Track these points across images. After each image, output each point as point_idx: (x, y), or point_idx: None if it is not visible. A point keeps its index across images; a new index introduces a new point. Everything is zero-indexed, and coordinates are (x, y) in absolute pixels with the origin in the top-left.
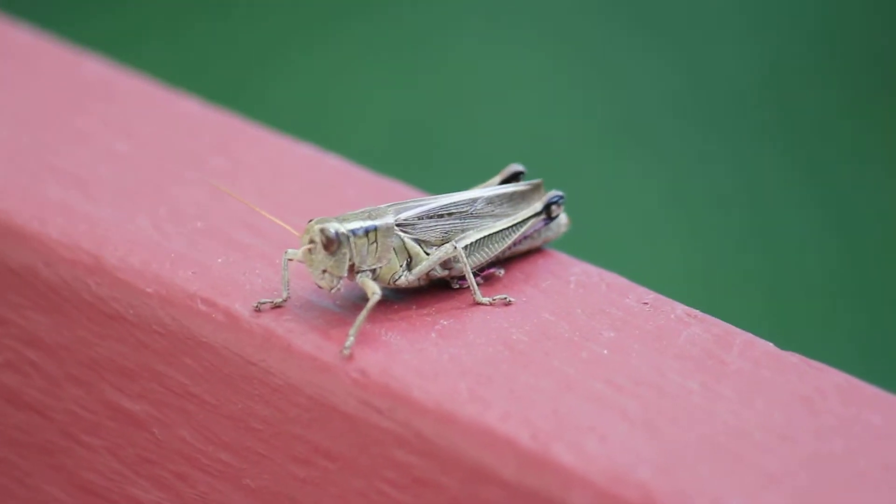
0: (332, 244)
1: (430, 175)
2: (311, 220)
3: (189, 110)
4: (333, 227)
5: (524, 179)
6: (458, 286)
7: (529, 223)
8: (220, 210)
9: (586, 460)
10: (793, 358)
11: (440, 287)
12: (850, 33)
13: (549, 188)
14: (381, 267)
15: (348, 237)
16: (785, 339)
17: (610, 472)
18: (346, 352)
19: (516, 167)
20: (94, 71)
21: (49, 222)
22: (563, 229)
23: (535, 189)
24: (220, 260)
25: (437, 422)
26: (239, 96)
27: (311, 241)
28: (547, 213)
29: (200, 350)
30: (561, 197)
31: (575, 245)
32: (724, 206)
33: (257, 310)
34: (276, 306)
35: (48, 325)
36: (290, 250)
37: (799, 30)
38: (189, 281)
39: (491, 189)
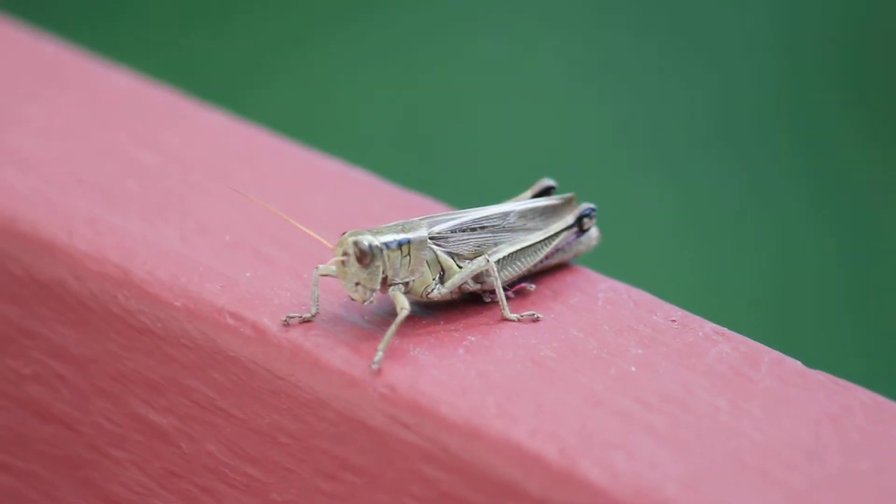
0: (365, 257)
1: (448, 188)
2: (344, 233)
3: (216, 123)
4: (367, 239)
5: (555, 194)
6: (489, 300)
7: (562, 236)
8: (248, 223)
9: (614, 477)
10: (820, 376)
11: (468, 302)
12: (873, 56)
13: (579, 202)
14: (413, 280)
15: (381, 250)
16: (811, 358)
17: (637, 488)
18: (375, 366)
19: (548, 182)
20: (121, 84)
21: (77, 235)
22: (594, 243)
23: (567, 203)
24: (248, 274)
25: (464, 437)
26: (261, 107)
27: (345, 254)
28: (579, 225)
29: (228, 364)
30: (593, 209)
31: (601, 261)
32: (749, 224)
33: (286, 324)
34: (305, 321)
35: (76, 339)
36: (320, 266)
37: (823, 50)
38: (217, 295)
39: (523, 203)
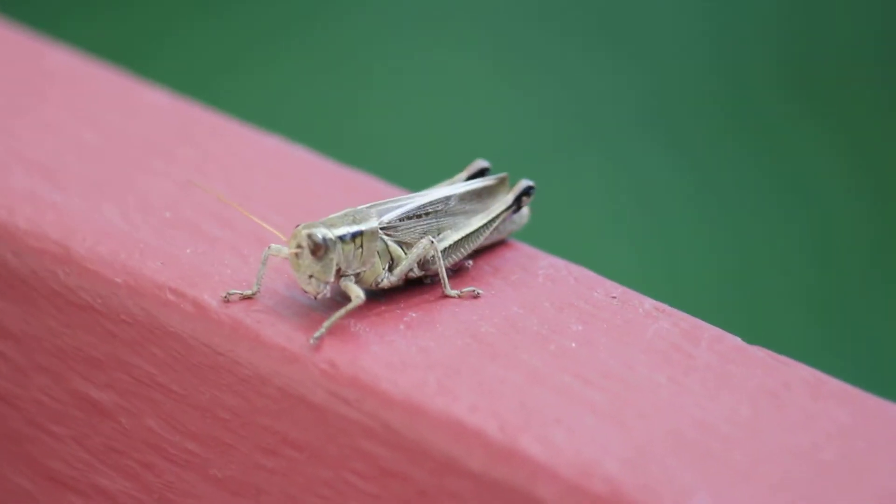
0: (319, 249)
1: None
2: (298, 225)
3: (156, 101)
4: (321, 232)
5: (489, 174)
6: (429, 282)
7: (501, 217)
8: (188, 201)
9: (554, 453)
10: (760, 352)
11: (412, 282)
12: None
13: (513, 182)
14: (365, 270)
15: (336, 242)
16: (752, 334)
17: (577, 464)
18: (314, 342)
19: (482, 163)
20: (60, 60)
21: (17, 212)
22: (525, 220)
23: (501, 183)
24: (188, 251)
25: (405, 413)
26: (206, 88)
27: (299, 247)
28: (517, 204)
29: (168, 340)
30: (531, 187)
31: (541, 239)
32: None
33: (226, 300)
34: (245, 298)
35: (16, 315)
36: (273, 245)
37: (757, 25)
38: (157, 271)
39: (462, 186)
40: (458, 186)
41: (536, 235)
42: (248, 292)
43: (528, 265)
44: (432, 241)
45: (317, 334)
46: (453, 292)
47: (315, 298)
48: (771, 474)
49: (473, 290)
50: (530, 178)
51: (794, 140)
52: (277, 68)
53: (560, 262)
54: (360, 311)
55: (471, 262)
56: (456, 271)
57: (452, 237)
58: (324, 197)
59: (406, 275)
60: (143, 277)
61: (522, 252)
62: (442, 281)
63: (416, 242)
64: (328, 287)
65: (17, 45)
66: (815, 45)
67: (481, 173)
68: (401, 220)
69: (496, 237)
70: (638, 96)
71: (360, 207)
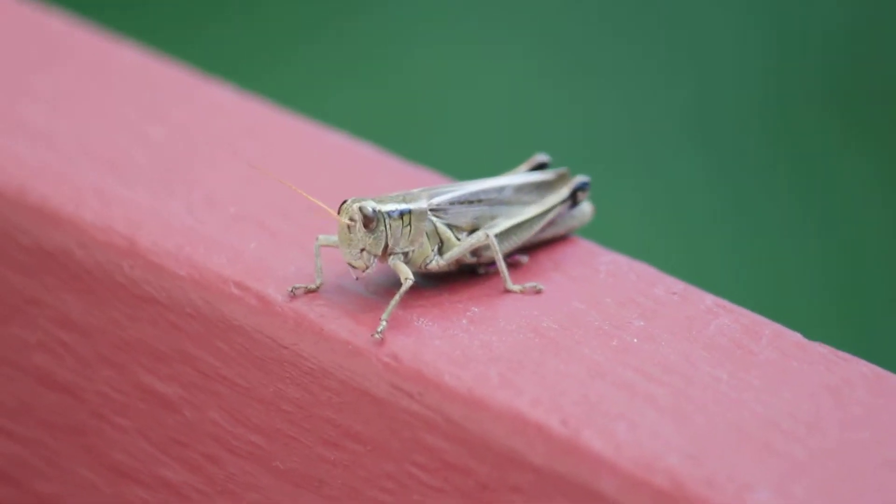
0: (371, 221)
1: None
2: (345, 201)
3: (222, 97)
4: (371, 205)
5: (549, 169)
6: (483, 272)
7: (556, 210)
8: (253, 196)
9: (616, 447)
10: (821, 348)
11: (471, 274)
12: (852, 58)
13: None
14: (413, 250)
15: (385, 216)
16: (812, 331)
17: (639, 458)
18: (378, 336)
19: (542, 157)
20: (128, 58)
21: (84, 205)
22: (588, 218)
23: (561, 178)
24: (252, 245)
25: (467, 407)
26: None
27: (351, 220)
28: (572, 199)
29: (232, 333)
30: (587, 183)
31: (603, 236)
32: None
33: (291, 295)
34: (310, 291)
35: (81, 307)
36: (321, 236)
37: (803, 50)
38: (222, 265)
39: (518, 177)
40: (515, 177)
41: (600, 233)
42: (313, 286)
43: (589, 261)
44: (488, 235)
45: (379, 329)
46: (515, 287)
47: (362, 274)
48: (832, 469)
49: (535, 286)
50: (589, 173)
51: (832, 163)
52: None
53: (621, 259)
54: (422, 304)
55: (526, 257)
56: (511, 266)
57: (504, 224)
58: (383, 190)
59: (457, 261)
60: (208, 271)
61: (583, 248)
62: (503, 276)
63: (467, 227)
64: (375, 262)
65: (85, 41)
66: (862, 73)
67: (541, 167)
68: (451, 203)
69: (554, 232)
70: (683, 109)
71: (412, 190)
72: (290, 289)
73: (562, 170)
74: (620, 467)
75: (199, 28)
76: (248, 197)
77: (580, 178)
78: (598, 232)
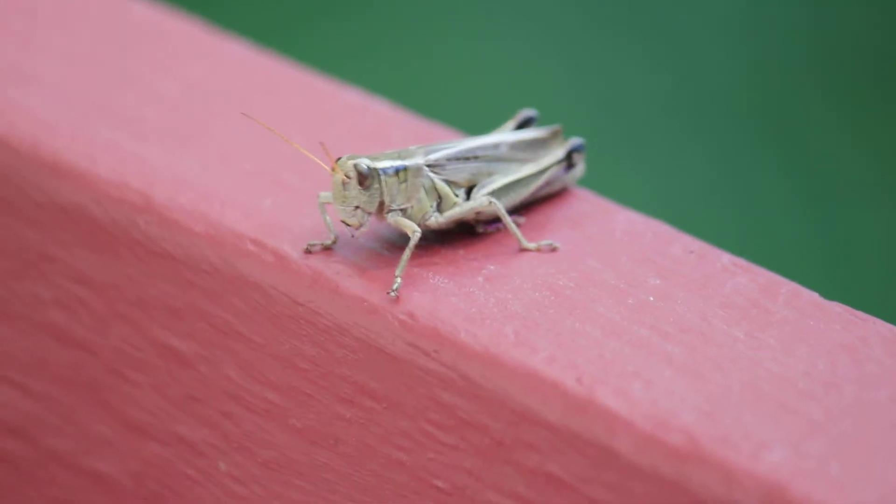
0: (365, 179)
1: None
2: (339, 158)
3: (236, 53)
4: (365, 162)
5: (536, 125)
6: (482, 230)
7: (552, 170)
8: (268, 152)
9: (631, 404)
10: (837, 308)
11: (487, 233)
12: (836, 30)
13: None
14: (411, 206)
15: (379, 174)
16: (828, 291)
17: (654, 416)
18: (394, 294)
19: (529, 112)
20: (141, 13)
21: (98, 161)
22: (579, 175)
23: (554, 135)
24: (268, 201)
25: (483, 364)
26: (285, 39)
27: (347, 177)
28: (568, 160)
29: (248, 290)
30: (581, 145)
31: (619, 194)
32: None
33: (308, 251)
34: (326, 248)
35: (97, 264)
36: (322, 193)
37: (786, 27)
38: (238, 221)
39: (514, 134)
40: (510, 134)
41: (614, 191)
42: (328, 241)
43: (605, 219)
44: (491, 201)
45: (395, 286)
46: (531, 245)
47: (356, 232)
48: (848, 428)
49: (551, 244)
50: (617, 144)
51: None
52: (356, 20)
53: (637, 217)
54: (437, 263)
55: (522, 218)
56: (500, 230)
57: (501, 181)
58: (395, 146)
59: (457, 219)
60: (224, 227)
61: (599, 206)
62: (515, 235)
63: (464, 183)
64: (369, 220)
65: None
66: (849, 51)
67: (527, 123)
68: (448, 160)
69: (549, 191)
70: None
71: (410, 147)
72: (305, 245)
73: (555, 127)
74: (635, 425)
75: None
76: (263, 153)
77: (575, 140)
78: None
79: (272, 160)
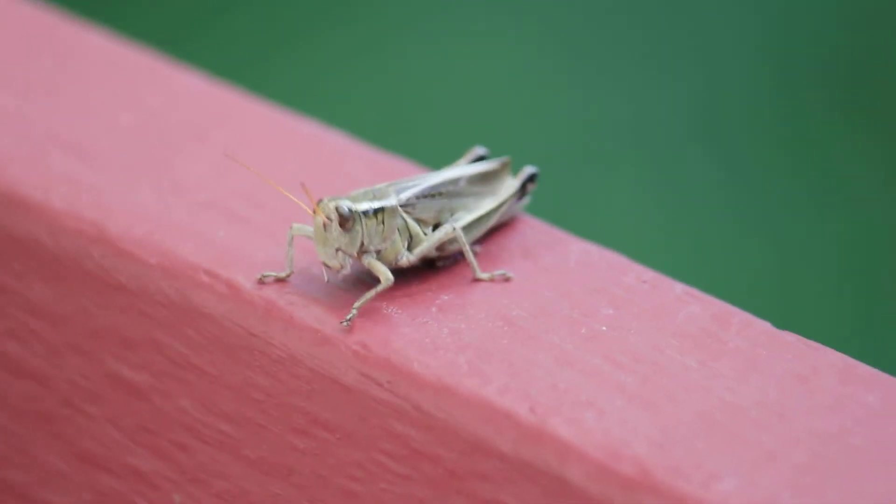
0: (347, 221)
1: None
2: (321, 200)
3: (192, 84)
4: (347, 204)
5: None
6: (441, 265)
7: (508, 202)
8: (223, 183)
9: (583, 434)
10: (789, 337)
11: (426, 263)
12: (860, 52)
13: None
14: (386, 247)
15: (360, 216)
16: (782, 321)
17: (607, 446)
18: (346, 324)
19: (480, 150)
20: (96, 43)
21: (53, 192)
22: (526, 203)
23: (504, 166)
24: (222, 233)
25: (436, 395)
26: (243, 72)
27: (328, 219)
28: (522, 190)
29: (202, 321)
30: (535, 174)
31: (576, 224)
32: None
33: (261, 282)
34: (279, 280)
35: (50, 295)
36: (295, 225)
37: (811, 45)
38: (192, 252)
39: (470, 168)
40: (466, 168)
41: (573, 222)
42: (283, 274)
43: (559, 249)
44: (454, 228)
45: (348, 317)
46: (484, 275)
47: (337, 274)
48: (799, 457)
49: (504, 274)
50: (570, 175)
51: (836, 150)
52: (312, 53)
53: (591, 247)
54: (391, 293)
55: (479, 246)
56: (457, 261)
57: (466, 218)
58: (359, 181)
59: (424, 256)
60: (178, 259)
61: (552, 236)
62: (471, 264)
63: (430, 221)
64: (350, 262)
65: (55, 27)
66: (867, 65)
67: (479, 160)
68: (417, 198)
69: (499, 220)
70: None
71: (378, 185)
72: (259, 276)
73: (504, 158)
74: (588, 455)
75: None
76: (218, 184)
77: (529, 170)
78: (597, 227)
79: (226, 191)
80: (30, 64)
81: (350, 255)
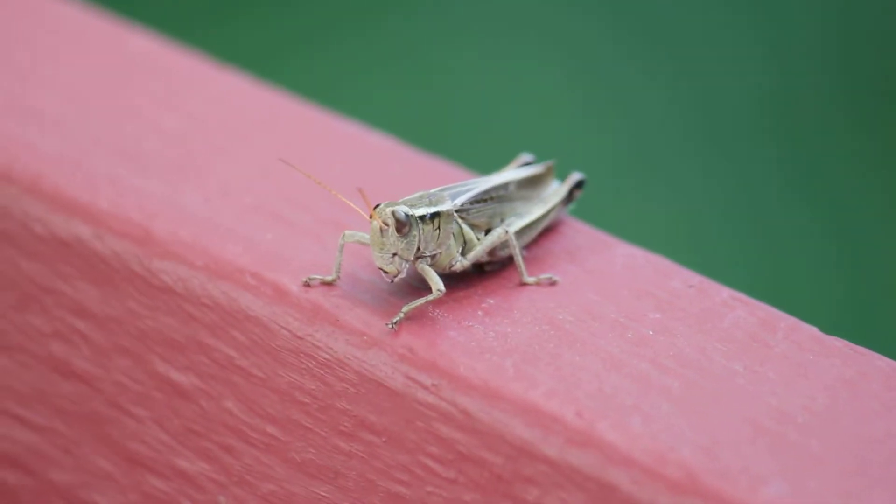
0: (403, 227)
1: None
2: (377, 205)
3: (237, 86)
4: (403, 209)
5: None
6: (490, 269)
7: (557, 208)
8: (268, 186)
9: (630, 439)
10: (837, 342)
11: (475, 267)
12: (855, 51)
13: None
14: (440, 252)
15: (417, 221)
16: (829, 326)
17: (653, 451)
18: (392, 327)
19: (527, 157)
20: (142, 46)
21: (100, 194)
22: (571, 207)
23: (549, 171)
24: (268, 235)
25: (482, 398)
26: (285, 73)
27: (385, 224)
28: (569, 196)
29: (248, 324)
30: (583, 181)
31: (621, 230)
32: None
33: (307, 285)
34: (325, 284)
35: (97, 297)
36: (347, 232)
37: (804, 49)
38: (238, 255)
39: (517, 172)
40: (514, 173)
41: (617, 227)
42: (329, 278)
43: (605, 253)
44: (507, 231)
45: (395, 319)
46: (531, 279)
47: (392, 280)
48: (846, 462)
49: (550, 278)
50: (614, 180)
51: (836, 160)
52: (357, 54)
53: (637, 251)
54: (437, 297)
55: (525, 251)
56: (511, 259)
57: (518, 223)
58: (402, 182)
59: (476, 260)
60: (224, 261)
61: (598, 240)
62: (519, 268)
63: (482, 226)
64: (407, 267)
65: (99, 30)
66: (864, 64)
67: (526, 166)
68: (471, 203)
69: (547, 224)
70: (681, 115)
71: (432, 190)
72: (305, 279)
73: (549, 162)
74: (635, 459)
75: (220, 20)
76: (264, 187)
77: (576, 176)
78: (642, 233)
79: (272, 194)
80: (74, 67)
81: (407, 261)
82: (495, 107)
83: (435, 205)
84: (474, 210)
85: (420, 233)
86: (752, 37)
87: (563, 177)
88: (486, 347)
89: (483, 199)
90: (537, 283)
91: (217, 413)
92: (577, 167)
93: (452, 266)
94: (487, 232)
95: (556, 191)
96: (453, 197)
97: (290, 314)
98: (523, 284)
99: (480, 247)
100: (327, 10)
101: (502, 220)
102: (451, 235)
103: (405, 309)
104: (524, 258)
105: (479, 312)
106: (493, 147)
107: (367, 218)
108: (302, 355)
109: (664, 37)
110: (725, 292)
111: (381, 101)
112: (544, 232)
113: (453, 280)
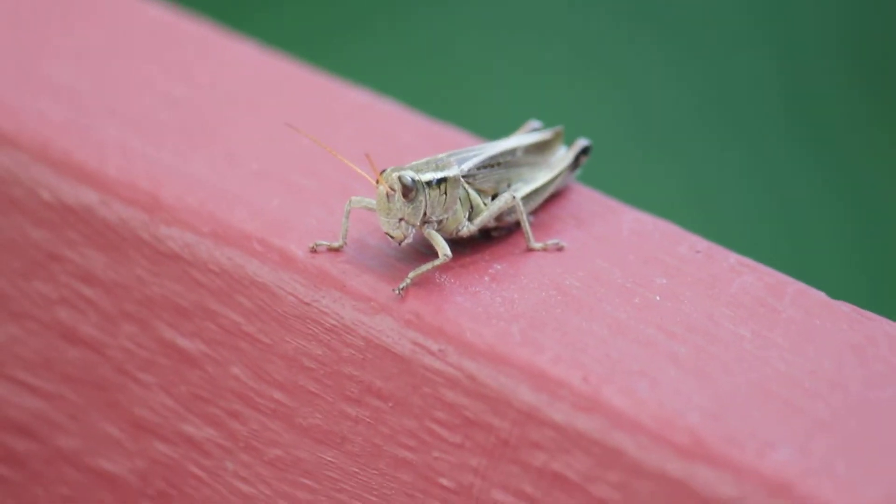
0: (410, 191)
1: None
2: (384, 170)
3: (245, 54)
4: (410, 174)
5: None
6: (497, 235)
7: (563, 174)
8: (275, 153)
9: (637, 404)
10: (844, 307)
11: (483, 233)
12: (868, 34)
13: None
14: (447, 217)
15: (423, 186)
16: (835, 290)
17: (660, 416)
18: (399, 292)
19: (535, 123)
20: (150, 15)
21: (107, 161)
22: (578, 173)
23: (557, 137)
24: (275, 201)
25: (489, 364)
26: (293, 41)
27: (391, 189)
28: (575, 162)
29: (255, 289)
30: (589, 147)
31: (627, 194)
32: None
33: (313, 250)
34: (332, 250)
35: (104, 263)
36: (354, 198)
37: (816, 30)
38: (244, 221)
39: (525, 138)
40: (522, 139)
41: (623, 192)
42: (336, 244)
43: (611, 219)
44: (514, 197)
45: (402, 285)
46: (538, 245)
47: (399, 245)
48: (854, 427)
49: (558, 243)
50: (622, 147)
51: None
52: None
53: (645, 217)
54: (444, 263)
55: (532, 217)
56: (518, 225)
57: (524, 189)
58: (411, 149)
59: (483, 226)
60: (231, 227)
61: (606, 206)
62: (525, 234)
63: (489, 191)
64: (413, 232)
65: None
66: (883, 49)
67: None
68: (478, 168)
69: (553, 191)
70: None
71: (439, 155)
72: (312, 245)
73: (557, 128)
74: (641, 424)
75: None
76: (270, 154)
77: (582, 142)
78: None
79: (279, 161)
80: (82, 35)
81: (413, 226)
82: (504, 77)
83: (442, 170)
84: (481, 175)
85: (426, 198)
86: (762, 4)
87: (571, 144)
88: (493, 313)
89: (490, 164)
90: (544, 249)
91: (224, 379)
92: (585, 134)
93: (459, 231)
94: (494, 197)
95: (562, 157)
96: (460, 162)
97: (296, 280)
98: (530, 250)
99: (487, 212)
100: None
101: (509, 186)
102: (458, 200)
103: (412, 275)
104: (531, 224)
105: (486, 278)
106: (503, 116)
107: (374, 183)
108: (308, 321)
109: (672, 3)
110: (733, 258)
111: (393, 70)
112: (551, 198)
113: (460, 246)
